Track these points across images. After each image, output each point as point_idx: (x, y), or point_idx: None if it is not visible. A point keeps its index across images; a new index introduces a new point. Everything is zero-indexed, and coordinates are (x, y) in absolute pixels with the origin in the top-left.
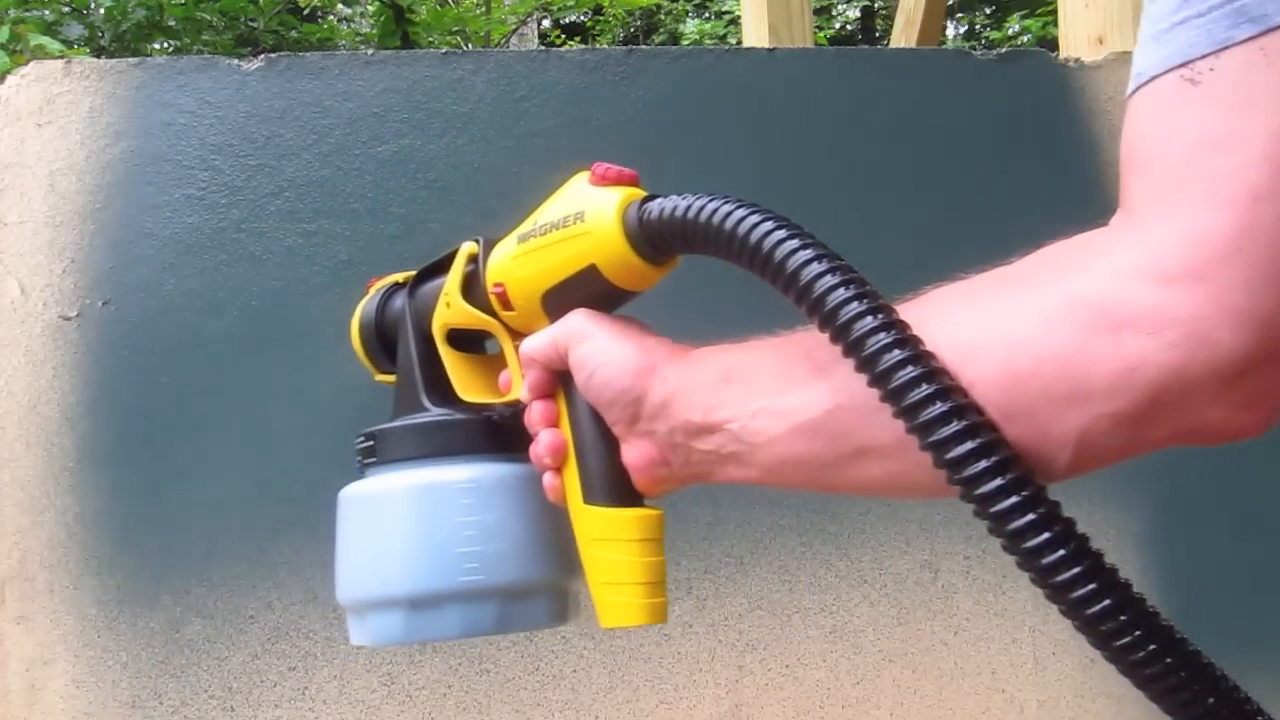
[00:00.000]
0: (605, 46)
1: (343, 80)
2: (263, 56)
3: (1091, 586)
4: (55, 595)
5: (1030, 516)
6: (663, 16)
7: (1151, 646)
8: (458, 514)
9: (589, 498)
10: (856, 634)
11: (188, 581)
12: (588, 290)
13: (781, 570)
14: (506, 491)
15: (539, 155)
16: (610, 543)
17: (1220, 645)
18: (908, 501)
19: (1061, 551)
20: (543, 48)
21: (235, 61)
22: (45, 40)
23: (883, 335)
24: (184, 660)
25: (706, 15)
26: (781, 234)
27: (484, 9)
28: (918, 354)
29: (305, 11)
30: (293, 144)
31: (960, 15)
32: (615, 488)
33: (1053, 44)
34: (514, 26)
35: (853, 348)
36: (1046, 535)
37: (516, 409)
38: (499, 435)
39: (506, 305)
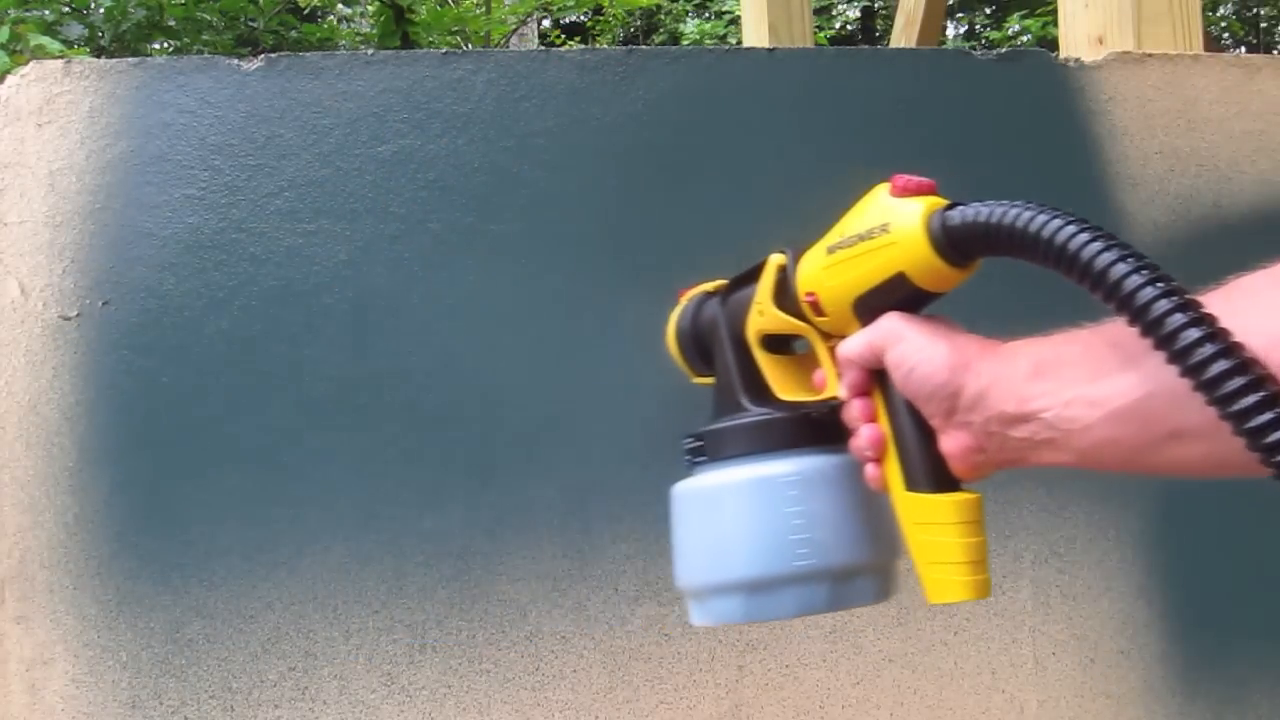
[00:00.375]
0: (605, 46)
1: (343, 80)
2: (263, 56)
3: None
4: (55, 595)
5: None
6: (663, 16)
7: None
8: (786, 504)
9: (911, 485)
10: (856, 634)
11: (188, 581)
12: (896, 294)
13: None
14: (828, 481)
15: (539, 155)
16: (933, 526)
17: (1221, 645)
18: None
19: None
20: (543, 48)
21: (235, 61)
22: (45, 40)
23: (1193, 331)
24: (184, 660)
25: (706, 15)
26: (1086, 236)
27: (484, 9)
28: (1227, 347)
29: (305, 11)
30: (293, 144)
31: (960, 15)
32: (935, 475)
33: (1053, 44)
34: (514, 26)
35: (1164, 342)
36: None
37: (831, 405)
38: (816, 430)
39: (819, 311)
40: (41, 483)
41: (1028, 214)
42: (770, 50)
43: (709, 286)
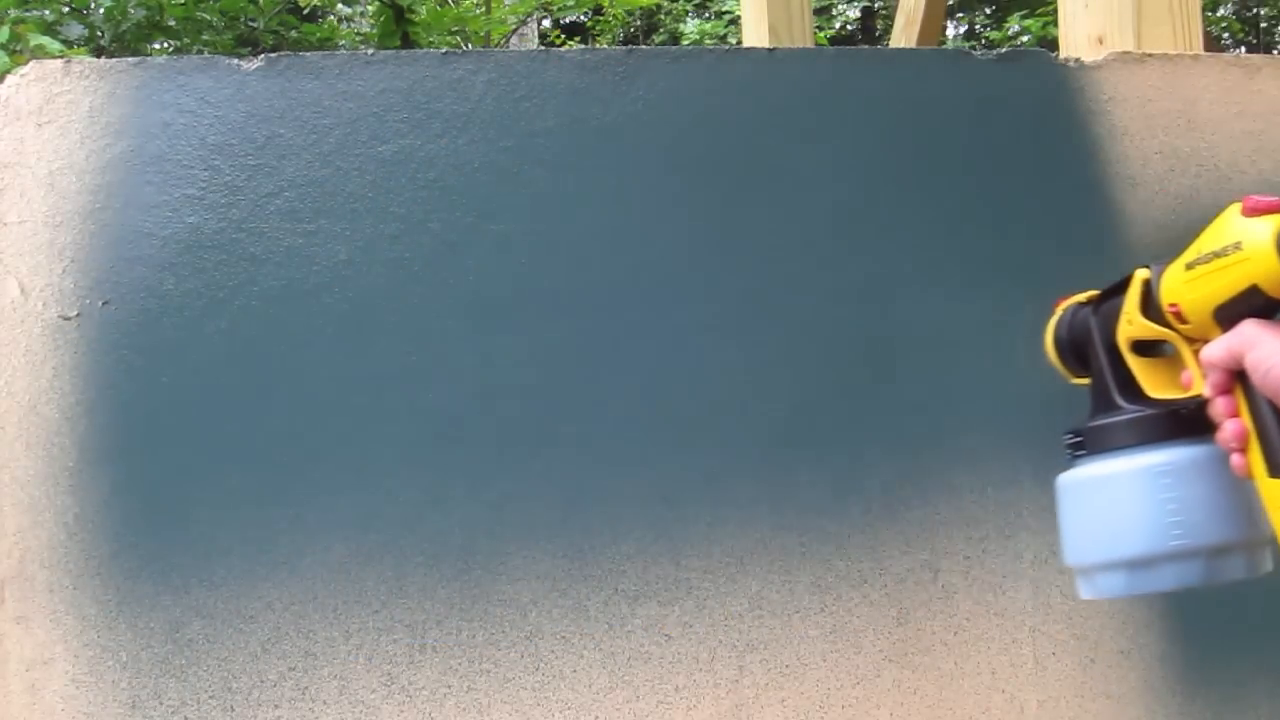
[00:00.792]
0: (605, 46)
1: (342, 80)
2: (263, 56)
3: None
4: (55, 595)
5: None
6: (663, 16)
7: None
8: (1162, 491)
9: (1273, 472)
10: (856, 634)
11: (188, 581)
12: (1251, 304)
13: (781, 570)
14: (1199, 470)
15: (539, 155)
16: None
17: (1221, 645)
18: (908, 501)
19: None
20: (543, 48)
21: (235, 61)
22: (45, 40)
23: None
24: (184, 660)
25: (706, 15)
26: None
27: (484, 9)
28: None
29: (305, 11)
30: (293, 144)
31: (960, 15)
32: None
33: (1053, 44)
34: (514, 26)
35: None
36: None
37: (1198, 401)
38: (1184, 423)
39: (1181, 320)
40: (41, 483)
41: None
42: (770, 50)
43: (1081, 297)
